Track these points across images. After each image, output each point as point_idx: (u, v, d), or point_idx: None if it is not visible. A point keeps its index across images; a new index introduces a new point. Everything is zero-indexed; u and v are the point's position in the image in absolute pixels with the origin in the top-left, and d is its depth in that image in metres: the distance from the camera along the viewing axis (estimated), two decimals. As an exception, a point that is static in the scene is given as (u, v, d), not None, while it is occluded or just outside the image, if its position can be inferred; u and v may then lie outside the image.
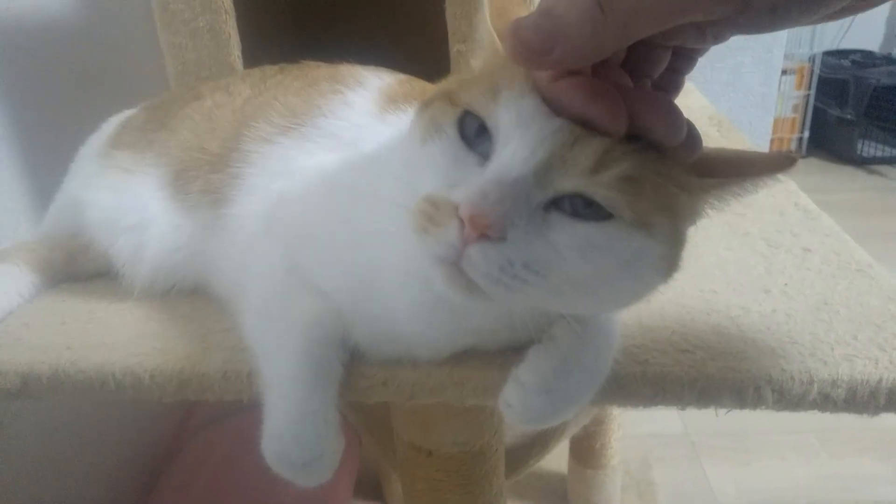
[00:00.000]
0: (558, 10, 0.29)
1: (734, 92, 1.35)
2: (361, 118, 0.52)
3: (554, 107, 0.33)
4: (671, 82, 0.37)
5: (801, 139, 2.91)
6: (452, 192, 0.33)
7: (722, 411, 0.43)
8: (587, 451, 1.07)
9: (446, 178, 0.34)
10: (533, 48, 0.30)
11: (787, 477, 1.29)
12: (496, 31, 0.37)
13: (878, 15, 3.12)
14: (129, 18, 1.01)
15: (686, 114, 0.34)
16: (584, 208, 0.32)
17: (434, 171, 0.35)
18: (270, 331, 0.44)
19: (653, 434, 1.37)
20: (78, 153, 0.64)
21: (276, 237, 0.48)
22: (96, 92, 0.93)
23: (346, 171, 0.48)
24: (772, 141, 2.69)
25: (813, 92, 2.83)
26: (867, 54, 3.00)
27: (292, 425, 0.40)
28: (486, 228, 0.31)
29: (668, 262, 0.36)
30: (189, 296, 0.54)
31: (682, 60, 0.36)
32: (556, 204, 0.33)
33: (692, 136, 0.34)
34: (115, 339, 0.49)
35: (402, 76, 0.57)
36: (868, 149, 2.78)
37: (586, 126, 0.32)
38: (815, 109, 2.86)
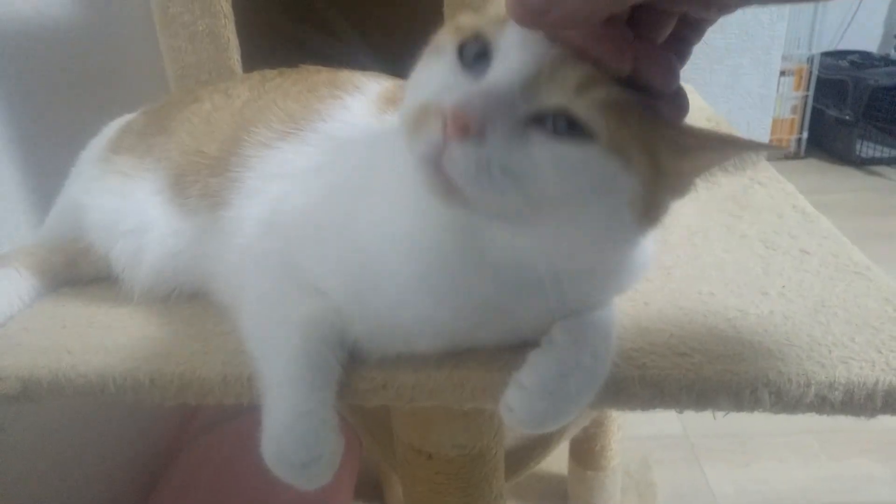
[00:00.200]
0: None
1: (732, 93, 1.36)
2: (359, 120, 0.53)
3: (561, 44, 0.34)
4: (678, 50, 0.37)
5: (799, 140, 2.91)
6: (443, 99, 0.34)
7: (720, 413, 0.43)
8: (587, 452, 1.07)
9: (440, 90, 0.35)
10: (531, 8, 0.31)
11: (786, 478, 1.29)
12: None
13: (876, 16, 3.13)
14: (128, 22, 1.01)
15: None
16: (566, 129, 0.33)
17: (429, 85, 0.36)
18: (268, 332, 0.44)
19: (652, 436, 1.37)
20: (79, 157, 0.65)
21: (273, 238, 0.48)
22: (96, 95, 0.93)
23: (341, 163, 0.49)
24: (770, 141, 2.69)
25: (811, 93, 2.83)
26: (865, 55, 3.01)
27: (290, 425, 0.40)
28: (465, 126, 0.32)
29: (644, 209, 0.36)
30: (189, 300, 0.54)
31: (689, 29, 0.37)
32: (539, 121, 0.34)
33: (681, 96, 0.35)
34: (115, 342, 0.50)
35: (401, 81, 0.58)
36: (866, 149, 2.78)
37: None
38: (814, 110, 2.86)
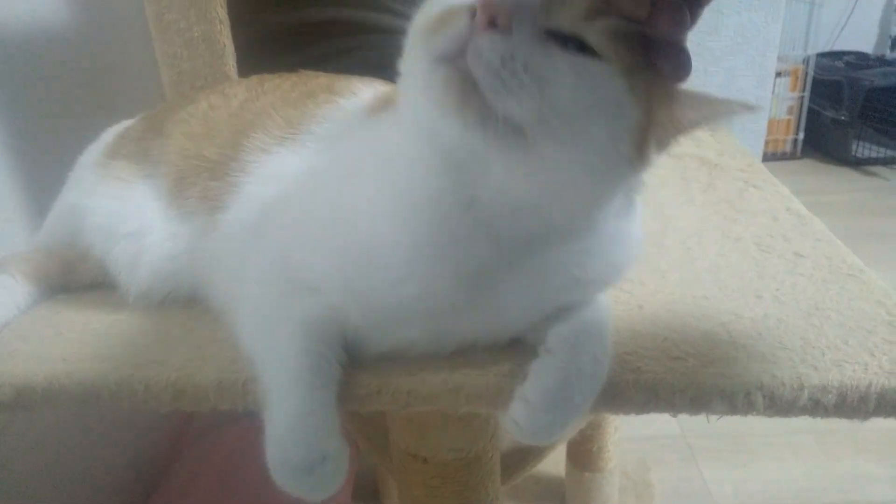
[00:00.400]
0: None
1: (728, 95, 1.36)
2: (353, 119, 0.53)
3: None
4: (690, 7, 0.37)
5: (796, 140, 2.91)
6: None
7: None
8: (584, 454, 1.07)
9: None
10: None
11: (784, 478, 1.30)
12: None
13: (872, 17, 3.14)
14: (124, 28, 1.01)
15: None
16: (577, 50, 0.35)
17: None
18: (266, 334, 0.45)
19: (649, 436, 1.37)
20: (77, 163, 0.65)
21: (268, 238, 0.48)
22: (93, 101, 0.93)
23: (330, 157, 0.50)
24: (767, 142, 2.70)
25: (807, 94, 2.84)
26: (861, 56, 3.01)
27: (292, 426, 0.40)
28: (494, 17, 0.33)
29: (638, 145, 0.37)
30: (184, 306, 0.54)
31: None
32: (554, 38, 0.35)
33: (684, 56, 0.36)
34: (110, 350, 0.50)
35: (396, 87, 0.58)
36: (862, 150, 2.79)
37: None
38: (810, 111, 2.87)
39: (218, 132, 0.57)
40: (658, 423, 1.41)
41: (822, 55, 2.92)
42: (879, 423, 0.43)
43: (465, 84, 0.34)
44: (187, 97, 0.65)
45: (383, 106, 0.52)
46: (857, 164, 2.80)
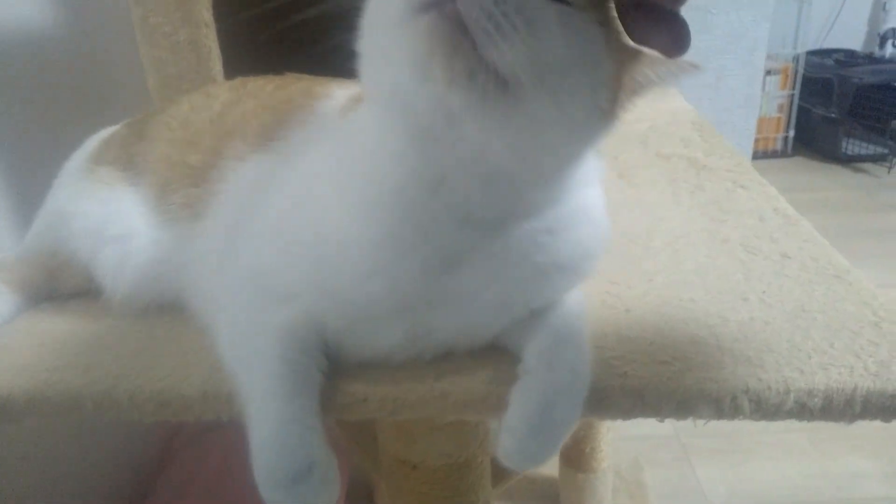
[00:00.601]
0: None
1: (717, 94, 1.36)
2: (325, 122, 0.53)
3: None
4: None
5: (786, 138, 2.93)
6: None
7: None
8: (577, 454, 1.07)
9: None
10: None
11: (777, 476, 1.30)
12: None
13: (860, 15, 3.16)
14: (109, 33, 1.00)
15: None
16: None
17: None
18: (243, 345, 0.44)
19: (643, 436, 1.37)
20: (61, 170, 0.64)
21: (240, 248, 0.48)
22: (77, 107, 0.92)
23: (298, 161, 0.49)
24: (757, 140, 2.71)
25: (797, 91, 2.85)
26: (850, 53, 3.03)
27: (274, 435, 0.40)
28: None
29: (611, 98, 0.37)
30: (167, 316, 0.54)
31: None
32: None
33: (681, 26, 0.35)
34: (93, 360, 0.49)
35: None
36: (852, 147, 2.81)
37: None
38: (800, 109, 2.89)
39: (200, 138, 0.56)
40: (651, 423, 1.39)
41: (811, 53, 2.93)
42: (872, 421, 0.42)
43: (453, 31, 0.32)
44: (172, 102, 0.64)
45: (353, 105, 0.51)
46: (847, 161, 2.82)
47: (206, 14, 0.77)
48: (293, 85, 0.59)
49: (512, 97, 0.34)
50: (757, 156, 2.81)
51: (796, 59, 2.81)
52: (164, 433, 1.10)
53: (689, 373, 0.42)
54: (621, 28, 0.37)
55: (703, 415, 0.41)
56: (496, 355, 0.44)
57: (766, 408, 0.41)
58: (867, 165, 2.81)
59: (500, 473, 0.79)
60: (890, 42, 3.05)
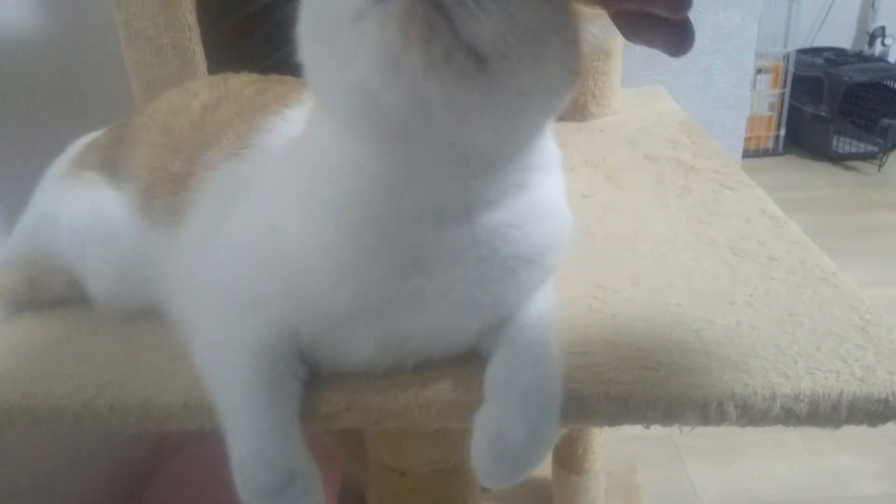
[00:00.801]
0: None
1: (706, 94, 1.36)
2: (295, 129, 0.52)
3: None
4: None
5: (777, 137, 2.94)
6: None
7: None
8: (570, 456, 1.07)
9: None
10: None
11: (770, 476, 1.30)
12: None
13: (850, 13, 3.17)
14: (92, 37, 0.99)
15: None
16: None
17: None
18: (217, 356, 0.44)
19: (636, 436, 1.37)
20: (44, 175, 0.64)
21: (211, 258, 0.48)
22: (60, 112, 0.91)
23: (265, 169, 0.49)
24: (748, 139, 2.72)
25: (788, 90, 2.86)
26: (839, 52, 3.04)
27: (253, 445, 0.39)
28: None
29: (576, 58, 0.38)
30: (150, 323, 0.53)
31: None
32: None
33: (687, 26, 0.34)
34: (74, 370, 0.49)
35: None
36: (843, 145, 2.82)
37: None
38: (791, 107, 2.89)
39: (180, 144, 0.56)
40: (643, 423, 1.41)
41: (801, 52, 2.94)
42: (859, 424, 0.42)
43: (428, 10, 0.30)
44: (153, 99, 0.64)
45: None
46: (838, 159, 2.83)
47: (190, 17, 0.77)
48: (272, 90, 0.58)
49: (490, 73, 0.33)
50: (748, 154, 2.81)
51: (787, 57, 2.81)
52: (154, 437, 1.09)
53: (675, 378, 0.42)
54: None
55: (688, 421, 0.41)
56: (479, 363, 0.43)
57: (752, 414, 0.41)
58: (858, 163, 2.82)
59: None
60: (879, 40, 3.07)
